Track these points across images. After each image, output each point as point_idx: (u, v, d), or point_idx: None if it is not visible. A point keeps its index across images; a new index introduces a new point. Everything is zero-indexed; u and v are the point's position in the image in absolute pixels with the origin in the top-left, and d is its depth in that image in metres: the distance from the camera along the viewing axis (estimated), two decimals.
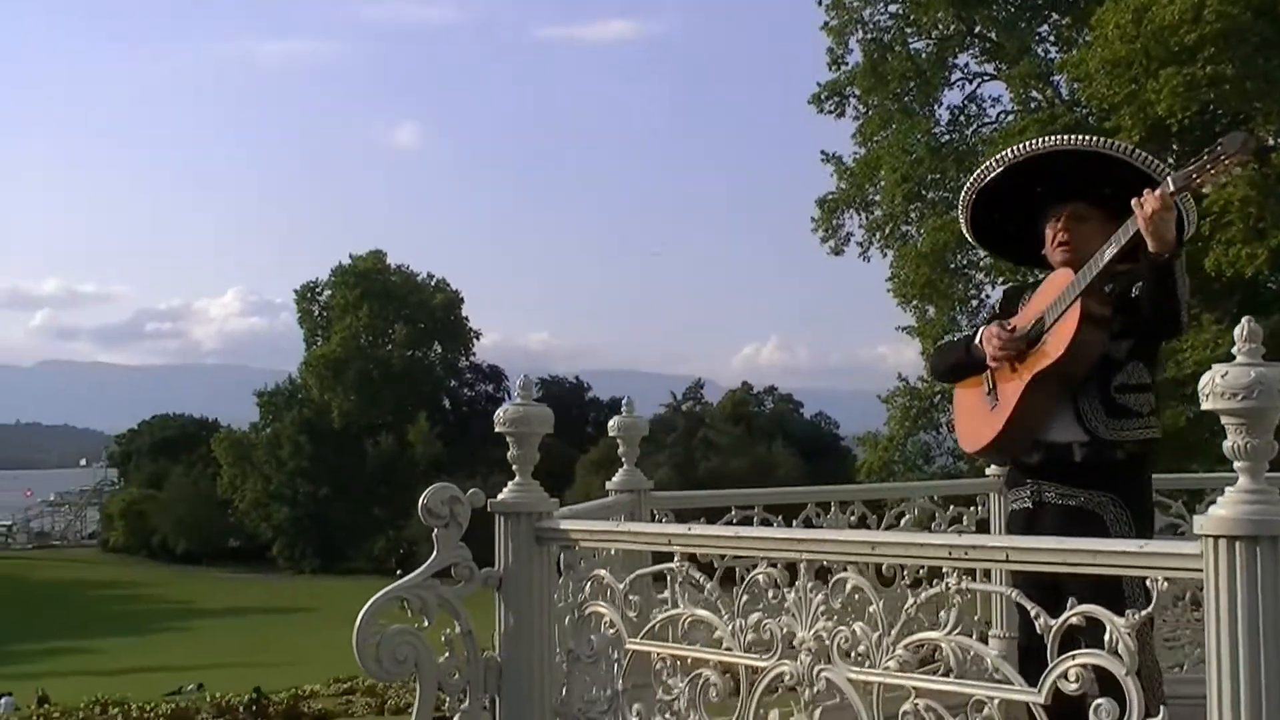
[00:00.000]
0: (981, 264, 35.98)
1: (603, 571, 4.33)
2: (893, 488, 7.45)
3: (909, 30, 39.15)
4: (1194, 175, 4.28)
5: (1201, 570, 2.94)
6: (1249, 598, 2.86)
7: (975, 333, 4.92)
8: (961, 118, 40.03)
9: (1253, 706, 2.87)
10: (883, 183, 38.28)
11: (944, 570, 3.44)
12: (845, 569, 3.65)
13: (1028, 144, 4.92)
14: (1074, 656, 3.17)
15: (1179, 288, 4.39)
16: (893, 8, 38.21)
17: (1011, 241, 5.30)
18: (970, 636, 3.51)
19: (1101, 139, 4.88)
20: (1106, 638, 3.11)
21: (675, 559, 4.09)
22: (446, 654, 4.45)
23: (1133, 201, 4.34)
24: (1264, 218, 29.19)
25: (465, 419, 65.18)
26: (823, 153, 40.11)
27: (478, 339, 70.49)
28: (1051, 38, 39.35)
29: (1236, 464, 2.97)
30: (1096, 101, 33.69)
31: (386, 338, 65.56)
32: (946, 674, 3.45)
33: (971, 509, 7.11)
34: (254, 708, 19.44)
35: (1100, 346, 4.56)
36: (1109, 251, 4.47)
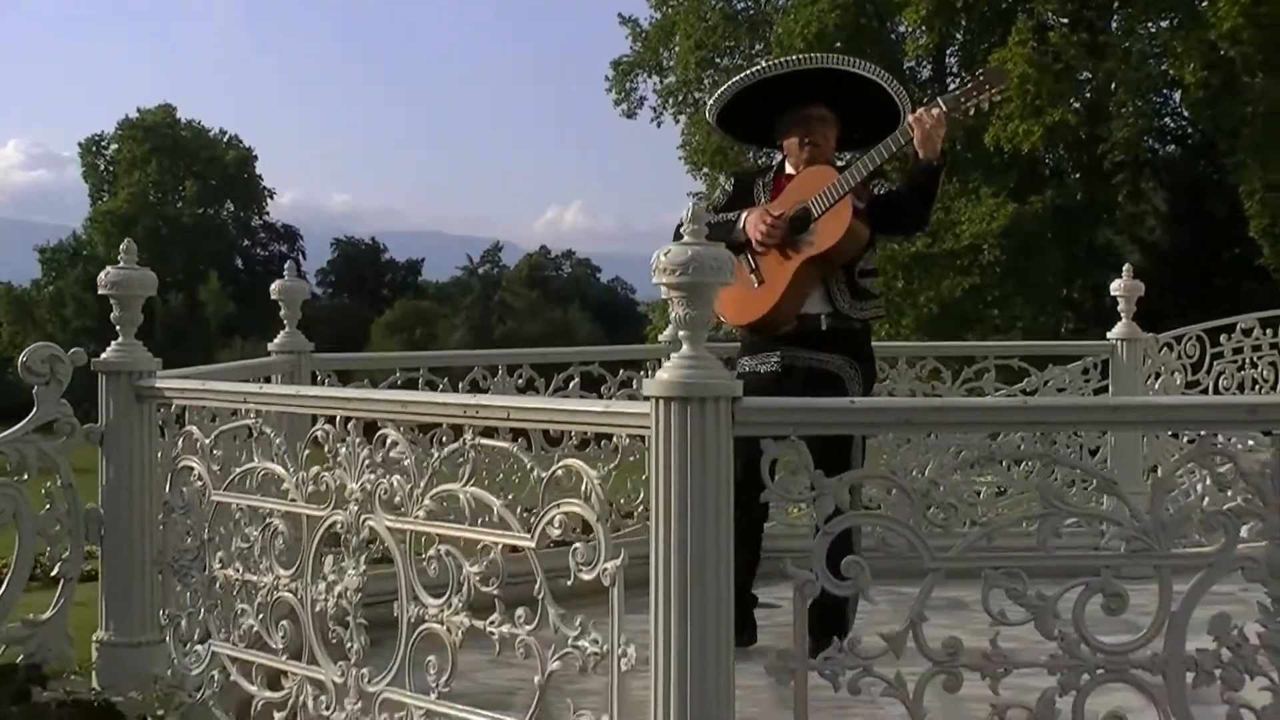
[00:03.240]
0: None
1: (192, 428, 4.55)
2: (560, 351, 7.69)
3: None
4: (962, 100, 5.12)
5: (649, 427, 3.28)
6: (680, 450, 3.22)
7: (738, 216, 5.31)
8: None
9: (680, 542, 3.24)
10: (677, 48, 38.23)
11: (463, 427, 3.74)
12: (386, 425, 3.93)
13: (800, 58, 5.60)
14: (558, 505, 3.51)
15: (938, 192, 5.26)
16: None
17: (750, 128, 5.88)
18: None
19: (854, 60, 5.49)
20: (583, 488, 3.46)
21: (251, 415, 4.34)
22: (48, 506, 4.65)
23: (910, 117, 5.05)
24: (1041, 96, 30.08)
25: (259, 279, 63.85)
26: (619, 15, 40.02)
27: (272, 198, 69.10)
28: None
29: (680, 333, 3.29)
30: None
31: (176, 195, 63.59)
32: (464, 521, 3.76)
33: (641, 373, 7.43)
34: None
35: (864, 238, 5.24)
36: (881, 155, 5.15)
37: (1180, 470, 3.28)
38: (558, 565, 3.56)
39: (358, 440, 3.97)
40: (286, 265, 6.63)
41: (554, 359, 7.35)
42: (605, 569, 3.40)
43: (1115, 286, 7.72)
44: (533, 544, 3.58)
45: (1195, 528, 3.23)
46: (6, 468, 4.59)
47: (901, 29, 36.43)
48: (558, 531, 3.52)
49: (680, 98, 38.80)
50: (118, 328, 4.76)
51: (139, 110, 65.12)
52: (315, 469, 4.10)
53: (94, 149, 66.27)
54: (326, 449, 4.08)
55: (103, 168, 65.94)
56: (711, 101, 5.66)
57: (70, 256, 63.90)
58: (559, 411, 3.57)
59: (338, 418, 4.06)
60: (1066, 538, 3.31)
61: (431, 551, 3.79)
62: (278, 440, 4.24)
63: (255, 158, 67.48)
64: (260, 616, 4.30)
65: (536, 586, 3.55)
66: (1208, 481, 3.30)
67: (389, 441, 3.91)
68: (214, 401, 4.53)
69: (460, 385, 6.77)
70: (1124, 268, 7.79)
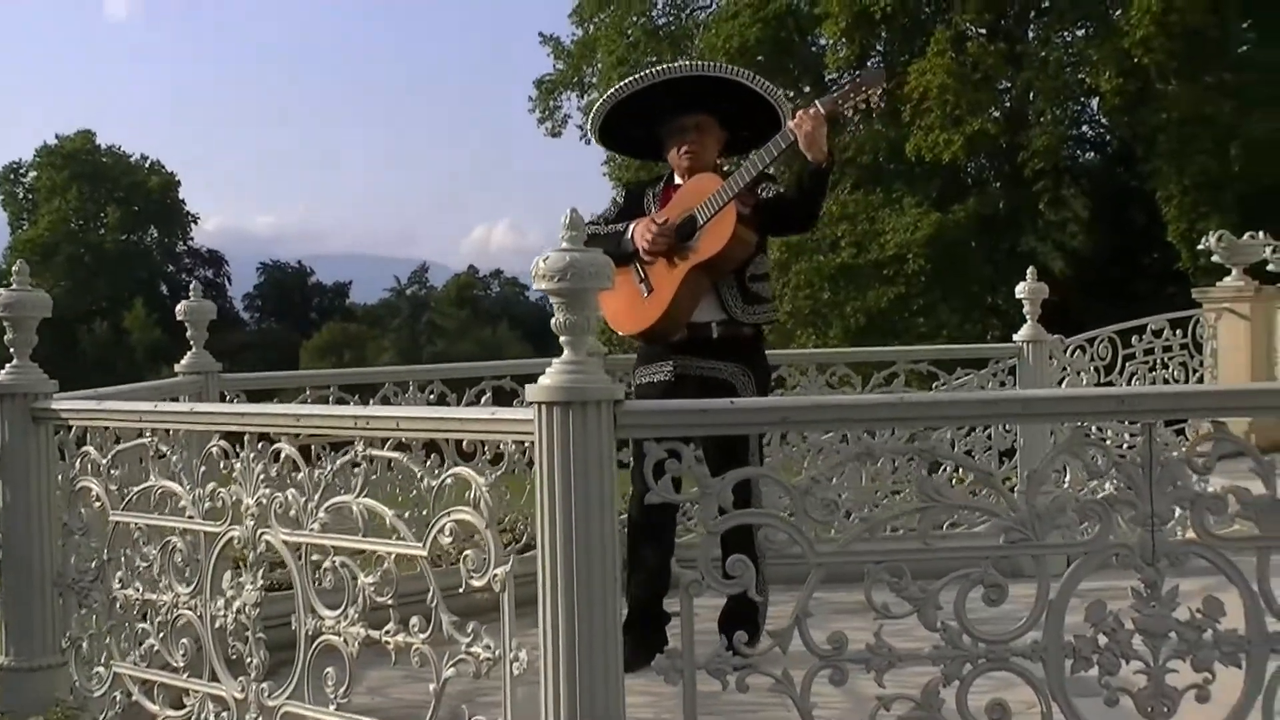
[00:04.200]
0: None
1: (89, 448, 4.54)
2: (471, 366, 7.71)
3: None
4: (839, 101, 5.13)
5: (532, 433, 3.31)
6: (563, 454, 3.25)
7: (625, 227, 5.31)
8: (678, 1, 40.29)
9: (565, 546, 3.27)
10: (600, 65, 38.30)
11: (353, 439, 3.76)
12: (281, 439, 3.94)
13: (668, 67, 5.58)
14: (449, 513, 3.54)
15: (825, 192, 5.27)
16: None
17: (634, 142, 5.90)
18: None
19: (729, 66, 5.60)
20: (471, 495, 3.49)
21: (146, 434, 4.34)
22: None
23: (790, 122, 5.06)
24: (960, 106, 30.39)
25: None
26: (540, 33, 40.14)
27: (195, 223, 68.44)
28: None
29: (561, 338, 3.33)
30: None
31: (99, 221, 63.14)
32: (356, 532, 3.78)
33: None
34: None
35: (750, 243, 5.22)
36: (763, 160, 5.12)
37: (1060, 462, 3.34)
38: (455, 583, 3.59)
39: (252, 455, 3.98)
40: (192, 286, 6.58)
41: (465, 374, 7.36)
42: (495, 575, 3.43)
43: (1020, 289, 7.83)
44: (424, 552, 3.60)
45: (1072, 518, 3.29)
46: None
47: (822, 42, 36.66)
48: (449, 540, 3.54)
49: None
50: (11, 350, 4.74)
51: (58, 137, 64.53)
52: (211, 485, 4.10)
53: (12, 176, 65.42)
54: (222, 465, 4.08)
55: (22, 195, 65.07)
56: (589, 120, 5.72)
57: None
58: (445, 420, 3.60)
59: (244, 435, 4.07)
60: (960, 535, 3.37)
61: (327, 564, 3.81)
62: (174, 458, 4.24)
63: (178, 183, 66.91)
64: (161, 635, 4.31)
65: (429, 595, 3.57)
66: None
67: (283, 455, 3.92)
68: (110, 421, 4.52)
69: (371, 402, 6.78)
70: (1028, 270, 7.91)
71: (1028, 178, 33.06)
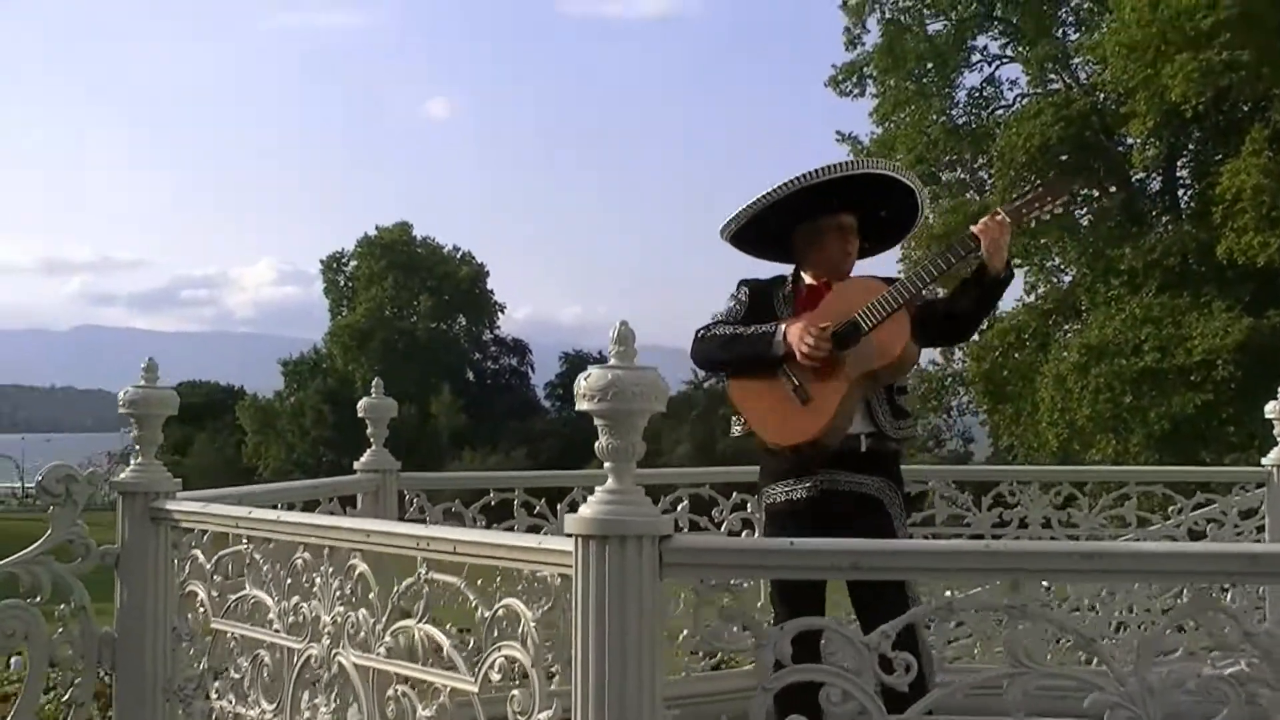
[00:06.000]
0: None
1: (197, 551, 4.41)
2: (674, 473, 7.42)
3: (927, 11, 38.81)
4: (1024, 210, 4.87)
5: (571, 565, 2.99)
6: (599, 593, 2.92)
7: (774, 328, 4.97)
8: (979, 99, 39.72)
9: (598, 695, 2.93)
10: (899, 162, 37.84)
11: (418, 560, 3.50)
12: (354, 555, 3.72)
13: (832, 166, 5.09)
14: (498, 647, 3.24)
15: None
16: None
17: (765, 243, 5.40)
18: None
19: (871, 160, 5.35)
20: (520, 629, 3.18)
21: (243, 541, 4.18)
22: (60, 629, 4.55)
23: (974, 227, 4.81)
24: (1276, 206, 28.97)
25: (489, 392, 65.31)
26: (838, 132, 40.07)
27: (502, 312, 70.24)
28: (1070, 20, 38.88)
29: (605, 464, 3.01)
30: (1112, 85, 33.52)
31: (411, 309, 65.37)
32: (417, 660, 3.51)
33: (756, 496, 7.07)
34: None
35: (918, 354, 4.98)
36: (939, 266, 4.82)
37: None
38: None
39: (330, 570, 3.77)
40: (375, 383, 6.45)
41: (662, 480, 7.03)
42: (540, 719, 3.11)
43: (1270, 409, 7.05)
44: (475, 688, 3.30)
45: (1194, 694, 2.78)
46: (20, 589, 4.51)
47: (1129, 141, 35.43)
48: (498, 676, 3.24)
49: None
50: (137, 447, 4.66)
51: (377, 228, 67.36)
52: (295, 599, 3.91)
53: (335, 265, 68.55)
54: (304, 579, 3.89)
55: (343, 283, 68.06)
56: (730, 220, 5.22)
57: (310, 369, 65.91)
58: (496, 546, 3.30)
59: (324, 549, 3.87)
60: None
61: (390, 691, 3.56)
62: (265, 567, 4.06)
63: (487, 273, 68.91)
64: None
65: None
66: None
67: (357, 573, 3.70)
68: (211, 525, 4.38)
69: (559, 506, 6.55)
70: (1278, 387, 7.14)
71: None
